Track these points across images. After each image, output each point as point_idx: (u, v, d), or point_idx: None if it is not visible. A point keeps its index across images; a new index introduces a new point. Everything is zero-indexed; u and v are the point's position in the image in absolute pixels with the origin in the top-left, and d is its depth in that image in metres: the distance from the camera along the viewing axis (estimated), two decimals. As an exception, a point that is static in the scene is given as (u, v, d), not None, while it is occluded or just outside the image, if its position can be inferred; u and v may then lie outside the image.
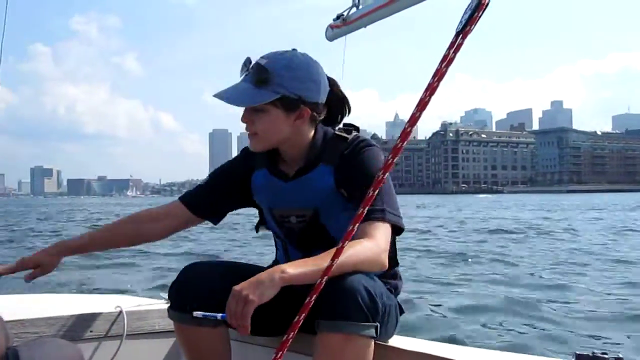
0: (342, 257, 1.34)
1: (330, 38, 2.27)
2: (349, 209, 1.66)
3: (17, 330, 1.90)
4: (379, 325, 1.49)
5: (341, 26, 2.20)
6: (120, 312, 2.14)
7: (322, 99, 1.72)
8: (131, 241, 1.99)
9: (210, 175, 1.96)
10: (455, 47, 0.97)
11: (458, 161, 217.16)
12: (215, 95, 1.66)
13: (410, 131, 1.07)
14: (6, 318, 1.78)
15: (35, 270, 1.85)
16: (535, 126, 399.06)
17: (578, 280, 8.64)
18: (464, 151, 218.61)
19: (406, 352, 1.69)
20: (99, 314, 2.12)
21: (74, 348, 1.30)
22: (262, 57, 1.67)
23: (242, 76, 1.68)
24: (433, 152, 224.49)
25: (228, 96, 1.65)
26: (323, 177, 1.72)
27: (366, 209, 1.26)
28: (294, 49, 1.72)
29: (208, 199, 1.91)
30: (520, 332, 5.51)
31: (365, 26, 2.14)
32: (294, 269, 1.45)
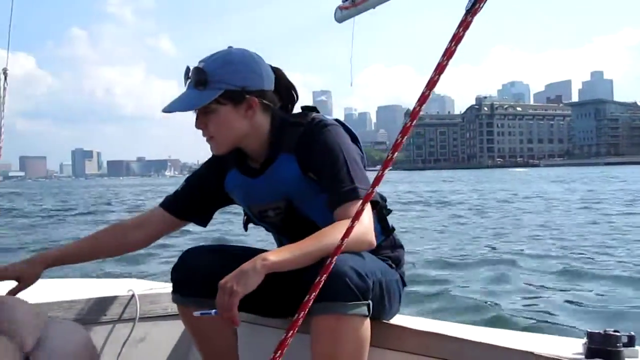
0: (328, 240, 1.42)
1: (340, 20, 2.21)
2: (323, 191, 1.68)
3: None
4: (370, 303, 1.51)
5: (350, 7, 2.17)
6: (133, 295, 2.17)
7: (268, 86, 1.73)
8: (116, 251, 1.98)
9: (186, 181, 1.97)
10: (464, 25, 0.98)
11: (493, 135, 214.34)
12: (163, 110, 1.68)
13: (420, 110, 1.07)
14: None
15: (19, 284, 1.79)
16: (575, 98, 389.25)
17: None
18: (499, 125, 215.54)
19: (412, 330, 1.70)
20: (112, 297, 2.14)
21: (80, 330, 1.35)
22: (199, 61, 1.69)
23: (186, 85, 1.70)
24: (468, 126, 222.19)
25: (174, 106, 1.67)
26: (286, 166, 1.72)
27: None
28: (229, 47, 1.73)
29: (188, 203, 1.93)
30: (532, 310, 5.52)
31: (374, 7, 2.11)
32: (276, 255, 1.47)
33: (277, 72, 1.78)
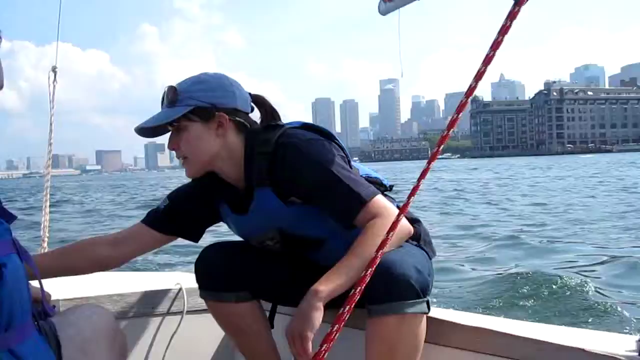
0: (370, 249, 1.32)
1: (383, 12, 2.11)
2: (311, 206, 1.66)
3: None
4: (429, 299, 1.51)
5: (394, -1, 2.07)
6: (180, 289, 2.20)
7: (242, 106, 1.71)
8: (88, 268, 1.86)
9: (170, 200, 1.89)
10: (511, 16, 0.97)
11: (563, 121, 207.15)
12: (135, 129, 1.71)
13: (467, 102, 1.04)
14: (72, 295, 2.02)
15: None
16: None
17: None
18: (569, 110, 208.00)
19: (460, 326, 1.68)
20: (161, 291, 2.19)
21: (106, 313, 1.37)
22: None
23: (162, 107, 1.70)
24: (536, 112, 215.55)
25: (145, 123, 1.68)
26: (265, 201, 1.69)
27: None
28: (204, 73, 1.74)
29: (175, 222, 1.86)
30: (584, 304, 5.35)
31: None
32: (327, 285, 1.47)
33: (258, 98, 1.79)
